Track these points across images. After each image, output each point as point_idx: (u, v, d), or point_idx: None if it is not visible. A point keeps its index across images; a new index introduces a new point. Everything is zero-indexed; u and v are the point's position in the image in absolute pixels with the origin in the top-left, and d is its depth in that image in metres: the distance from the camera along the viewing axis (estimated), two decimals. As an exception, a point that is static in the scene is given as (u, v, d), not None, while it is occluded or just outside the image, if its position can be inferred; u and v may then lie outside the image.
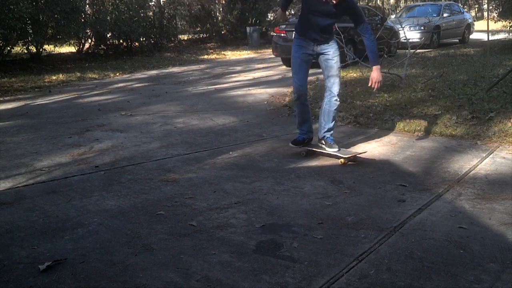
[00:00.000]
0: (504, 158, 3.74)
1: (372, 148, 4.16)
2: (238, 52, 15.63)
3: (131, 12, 14.35)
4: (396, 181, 3.33)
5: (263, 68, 11.18)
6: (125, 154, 4.21)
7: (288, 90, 7.49)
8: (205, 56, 14.69)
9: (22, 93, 8.20)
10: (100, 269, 2.24)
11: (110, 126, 5.36)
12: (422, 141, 4.33)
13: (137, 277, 2.16)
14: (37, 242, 2.54)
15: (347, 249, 2.37)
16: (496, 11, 15.56)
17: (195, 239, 2.52)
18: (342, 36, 6.24)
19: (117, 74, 10.65)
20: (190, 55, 14.89)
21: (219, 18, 20.11)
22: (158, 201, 3.08)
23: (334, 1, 3.53)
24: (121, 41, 14.73)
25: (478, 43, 14.73)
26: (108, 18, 13.97)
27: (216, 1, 20.17)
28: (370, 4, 22.00)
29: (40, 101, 7.38)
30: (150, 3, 16.65)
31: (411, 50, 7.91)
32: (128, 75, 10.55)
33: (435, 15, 14.38)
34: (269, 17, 20.34)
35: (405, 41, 8.06)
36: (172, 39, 17.59)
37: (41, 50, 12.57)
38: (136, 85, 8.94)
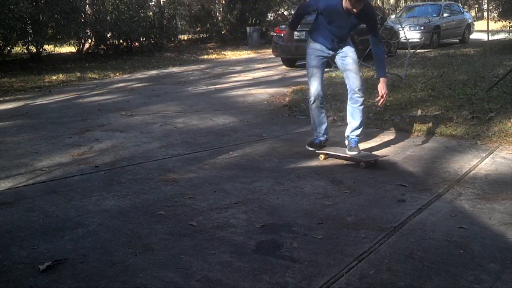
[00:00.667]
0: (504, 158, 3.74)
1: (372, 148, 4.16)
2: (238, 52, 15.63)
3: (131, 12, 14.35)
4: (396, 181, 3.33)
5: (263, 68, 11.18)
6: (125, 154, 4.21)
7: (288, 90, 7.50)
8: (205, 56, 14.69)
9: (22, 93, 8.20)
10: (100, 269, 2.24)
11: (110, 126, 5.36)
12: (422, 141, 4.32)
13: (137, 277, 2.16)
14: (37, 242, 2.54)
15: (347, 249, 2.37)
16: (496, 11, 15.56)
17: (195, 239, 2.52)
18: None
19: (117, 74, 10.65)
20: (190, 55, 14.89)
21: (219, 18, 20.11)
22: (158, 201, 3.08)
23: (355, 10, 3.44)
24: (121, 41, 14.73)
25: (478, 43, 14.74)
26: (108, 18, 13.97)
27: (216, 1, 20.17)
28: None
29: (40, 101, 7.38)
30: (150, 3, 16.65)
31: (411, 50, 7.91)
32: (128, 75, 10.55)
33: (435, 15, 14.38)
34: (269, 17, 20.35)
35: (405, 41, 8.06)
36: (172, 39, 17.58)
37: (41, 50, 12.57)
38: (136, 85, 8.94)
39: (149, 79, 9.73)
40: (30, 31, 11.49)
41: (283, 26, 11.13)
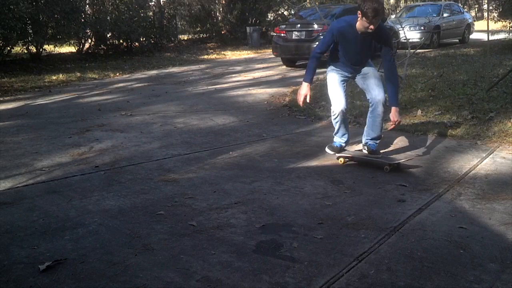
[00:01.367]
0: (504, 158, 3.74)
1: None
2: (238, 52, 15.63)
3: (131, 12, 14.35)
4: (396, 181, 3.33)
5: (263, 68, 11.18)
6: (125, 154, 4.21)
7: (288, 90, 7.50)
8: (205, 56, 14.69)
9: (22, 93, 8.20)
10: (100, 269, 2.24)
11: (110, 126, 5.36)
12: (422, 141, 4.32)
13: (137, 277, 2.16)
14: (37, 242, 2.54)
15: (347, 249, 2.37)
16: (496, 11, 15.55)
17: (195, 239, 2.52)
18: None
19: (117, 74, 10.65)
20: (190, 55, 14.89)
21: (219, 18, 20.11)
22: (158, 201, 3.08)
23: (372, 27, 3.32)
24: (121, 41, 14.73)
25: (478, 43, 14.73)
26: (108, 18, 13.97)
27: (216, 1, 20.17)
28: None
29: (40, 101, 7.38)
30: (150, 3, 16.65)
31: (411, 50, 7.91)
32: (128, 75, 10.55)
33: (435, 15, 14.37)
34: (269, 17, 20.34)
35: (405, 41, 8.06)
36: (172, 39, 17.59)
37: (41, 50, 12.57)
38: (136, 85, 8.94)
39: (149, 79, 9.73)
40: (30, 31, 11.48)
41: (283, 26, 11.13)
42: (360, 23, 3.37)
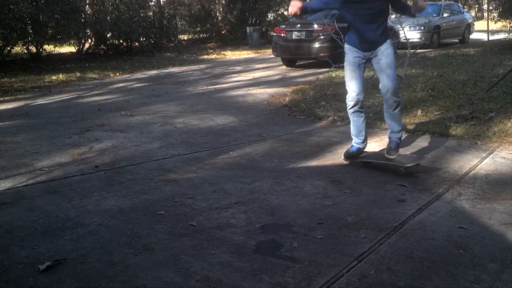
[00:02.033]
0: (504, 158, 3.74)
1: (372, 148, 4.15)
2: (238, 52, 15.63)
3: (131, 12, 14.35)
4: (396, 181, 3.33)
5: (263, 68, 11.18)
6: (125, 154, 4.21)
7: (288, 90, 7.50)
8: (205, 56, 14.69)
9: (22, 93, 8.20)
10: (100, 269, 2.24)
11: (110, 126, 5.36)
12: (422, 141, 4.32)
13: (137, 277, 2.16)
14: (37, 242, 2.54)
15: (347, 249, 2.37)
16: (496, 11, 15.55)
17: (195, 239, 2.52)
18: (342, 36, 6.25)
19: (117, 74, 10.65)
20: (190, 55, 14.89)
21: (219, 18, 20.12)
22: (158, 201, 3.08)
23: None
24: (121, 41, 14.73)
25: (478, 43, 14.73)
26: (108, 18, 13.98)
27: (216, 1, 20.17)
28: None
29: (40, 101, 7.38)
30: (150, 3, 16.67)
31: (411, 50, 7.91)
32: (128, 75, 10.55)
33: (435, 15, 14.37)
34: (269, 17, 20.34)
35: (405, 41, 8.05)
36: (172, 39, 17.59)
37: (41, 50, 12.57)
38: (136, 85, 8.94)
39: (149, 79, 9.73)
40: (30, 31, 11.49)
41: (283, 26, 11.13)
42: None
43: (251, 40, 17.46)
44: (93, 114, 6.13)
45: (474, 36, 16.71)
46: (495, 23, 14.71)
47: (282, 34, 10.78)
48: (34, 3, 11.23)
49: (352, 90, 3.59)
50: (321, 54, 10.09)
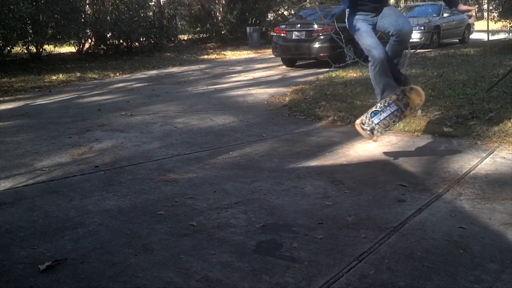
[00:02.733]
0: (504, 158, 3.74)
1: (372, 148, 4.16)
2: (238, 52, 15.63)
3: (131, 12, 14.36)
4: (396, 181, 3.33)
5: (263, 68, 11.18)
6: (125, 154, 4.21)
7: (288, 90, 7.50)
8: (205, 56, 14.69)
9: (22, 93, 8.20)
10: (100, 269, 2.24)
11: (110, 126, 5.36)
12: (422, 141, 4.32)
13: (137, 277, 2.16)
14: (37, 242, 2.54)
15: (347, 249, 2.37)
16: (496, 11, 15.54)
17: (195, 239, 2.52)
18: (342, 36, 6.25)
19: (117, 74, 10.66)
20: (190, 55, 14.89)
21: (219, 18, 20.12)
22: (158, 201, 3.08)
23: None
24: (121, 41, 14.73)
25: (478, 43, 14.73)
26: (108, 18, 13.98)
27: (216, 1, 20.17)
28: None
29: (40, 101, 7.38)
30: (150, 3, 16.66)
31: (411, 50, 7.91)
32: (128, 75, 10.55)
33: (435, 15, 14.38)
34: (269, 17, 20.34)
35: (405, 41, 8.04)
36: (172, 39, 17.59)
37: (41, 50, 12.57)
38: (136, 85, 8.94)
39: (149, 79, 9.73)
40: (30, 31, 11.49)
41: (283, 26, 11.14)
42: None
43: (251, 40, 17.47)
44: (93, 114, 6.13)
45: (474, 36, 16.71)
46: (495, 23, 14.71)
47: (282, 34, 10.79)
48: (34, 3, 11.24)
49: (374, 48, 3.42)
50: (321, 54, 10.10)
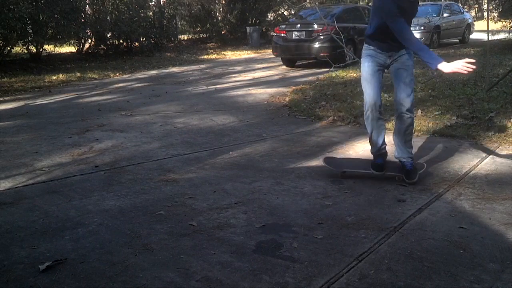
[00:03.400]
0: (504, 158, 3.74)
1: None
2: (238, 52, 15.63)
3: (131, 12, 14.35)
4: (396, 181, 3.33)
5: (263, 68, 11.18)
6: (125, 154, 4.21)
7: (288, 90, 7.50)
8: (205, 56, 14.69)
9: (22, 93, 8.20)
10: (100, 269, 2.24)
11: (110, 126, 5.36)
12: (422, 141, 4.32)
13: (137, 277, 2.16)
14: (37, 242, 2.54)
15: (347, 249, 2.37)
16: (496, 11, 15.54)
17: (195, 239, 2.52)
18: (342, 36, 6.26)
19: (117, 74, 10.65)
20: (190, 55, 14.89)
21: (219, 18, 20.11)
22: (158, 201, 3.08)
23: None
24: (121, 41, 14.73)
25: (478, 43, 14.73)
26: (108, 18, 13.98)
27: (216, 1, 20.17)
28: (370, 4, 22.05)
29: (40, 101, 7.38)
30: (150, 3, 16.65)
31: (411, 50, 7.89)
32: (128, 75, 10.55)
33: (435, 15, 14.37)
34: (269, 17, 20.34)
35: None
36: (172, 39, 17.59)
37: (41, 50, 12.57)
38: (136, 85, 8.94)
39: (149, 79, 9.73)
40: (30, 31, 11.49)
41: (283, 26, 11.14)
42: None
43: (251, 40, 17.46)
44: (93, 114, 6.13)
45: (474, 36, 16.70)
46: (495, 23, 14.70)
47: (282, 34, 10.78)
48: (34, 3, 11.24)
49: (368, 93, 3.28)
50: (321, 54, 10.10)
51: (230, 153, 4.16)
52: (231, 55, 15.05)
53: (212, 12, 19.71)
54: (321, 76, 8.79)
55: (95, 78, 10.04)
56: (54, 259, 2.33)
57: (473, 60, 3.01)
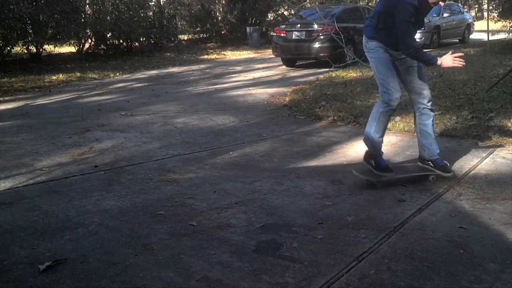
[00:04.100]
0: (504, 158, 3.74)
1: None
2: (238, 52, 15.63)
3: (131, 12, 14.35)
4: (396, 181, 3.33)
5: (263, 68, 11.18)
6: (125, 154, 4.21)
7: (288, 90, 7.50)
8: (205, 56, 14.69)
9: (22, 93, 8.20)
10: (100, 269, 2.24)
11: (110, 126, 5.36)
12: (422, 141, 4.32)
13: (137, 277, 2.16)
14: (37, 242, 2.54)
15: (347, 249, 2.37)
16: (496, 11, 15.54)
17: (195, 239, 2.52)
18: (342, 36, 6.26)
19: (117, 74, 10.65)
20: (190, 55, 14.89)
21: (219, 18, 20.10)
22: (158, 201, 3.08)
23: (442, 3, 3.04)
24: (121, 41, 14.72)
25: (478, 43, 14.73)
26: (108, 18, 13.98)
27: (216, 1, 20.16)
28: (370, 4, 22.02)
29: (40, 101, 7.38)
30: (150, 3, 16.65)
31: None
32: (128, 75, 10.55)
33: (435, 15, 14.36)
34: (269, 17, 20.33)
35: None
36: (172, 39, 17.59)
37: (41, 50, 12.57)
38: (136, 85, 8.94)
39: (149, 79, 9.73)
40: (30, 31, 11.49)
41: (283, 26, 11.13)
42: None
43: (251, 40, 17.46)
44: (93, 114, 6.13)
45: (474, 36, 16.70)
46: (495, 23, 14.69)
47: (282, 34, 10.78)
48: (34, 3, 11.24)
49: (394, 89, 3.18)
50: (321, 54, 10.10)
51: (230, 153, 4.16)
52: (231, 55, 15.05)
53: (212, 12, 19.71)
54: (321, 76, 8.79)
55: (95, 78, 10.04)
56: (54, 259, 2.33)
57: (460, 54, 3.04)
